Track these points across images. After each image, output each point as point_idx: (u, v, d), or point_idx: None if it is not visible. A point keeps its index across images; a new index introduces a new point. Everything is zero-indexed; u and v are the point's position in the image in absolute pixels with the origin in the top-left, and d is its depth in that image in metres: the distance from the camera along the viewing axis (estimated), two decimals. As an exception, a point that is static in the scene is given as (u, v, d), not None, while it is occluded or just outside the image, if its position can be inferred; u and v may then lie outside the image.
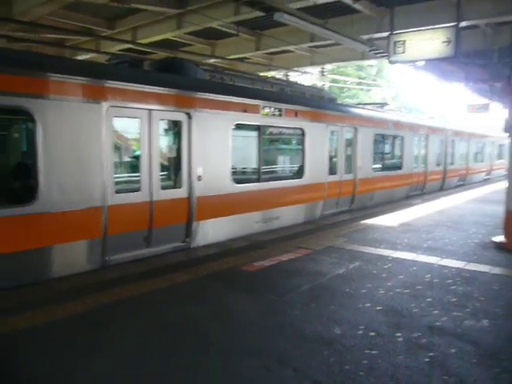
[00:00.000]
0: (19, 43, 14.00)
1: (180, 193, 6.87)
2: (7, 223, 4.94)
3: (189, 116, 6.88)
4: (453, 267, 6.00)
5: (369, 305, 4.58)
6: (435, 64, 17.19)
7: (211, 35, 16.03)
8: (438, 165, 16.85)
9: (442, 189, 17.32)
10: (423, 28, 8.84)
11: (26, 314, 4.15)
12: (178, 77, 7.12)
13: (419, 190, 15.38)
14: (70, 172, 5.48)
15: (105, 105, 5.75)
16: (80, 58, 16.38)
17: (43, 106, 5.16)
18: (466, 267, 6.02)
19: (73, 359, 3.39)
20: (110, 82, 5.85)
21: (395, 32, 8.27)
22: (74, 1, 10.88)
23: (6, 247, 4.92)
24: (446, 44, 7.59)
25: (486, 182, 21.74)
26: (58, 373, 3.21)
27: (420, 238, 7.90)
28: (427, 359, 3.45)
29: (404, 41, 7.92)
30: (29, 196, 5.18)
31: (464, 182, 19.87)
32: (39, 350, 3.52)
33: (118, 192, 6.04)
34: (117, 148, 6.21)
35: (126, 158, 6.63)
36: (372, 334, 3.89)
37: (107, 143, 5.81)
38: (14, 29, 12.94)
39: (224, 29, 14.23)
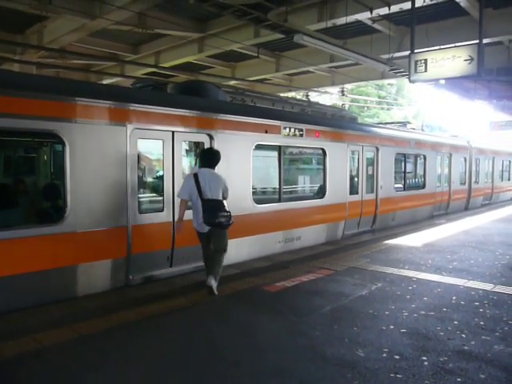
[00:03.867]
0: (48, 69, 14.62)
1: (202, 213, 6.92)
2: (36, 242, 5.06)
3: (210, 137, 6.99)
4: (480, 289, 5.84)
5: (392, 327, 4.49)
6: (457, 82, 17.09)
7: (231, 57, 16.39)
8: (463, 184, 16.57)
9: (467, 208, 16.96)
10: (444, 46, 8.82)
11: (51, 332, 4.22)
12: (200, 99, 7.27)
13: (443, 210, 15.10)
14: (96, 192, 5.61)
15: (129, 127, 5.91)
16: (105, 82, 16.96)
17: (72, 129, 5.33)
18: (494, 289, 5.84)
19: (98, 374, 3.42)
20: (135, 105, 6.02)
21: (416, 51, 8.27)
22: (101, 28, 11.34)
23: (35, 265, 5.03)
24: (468, 62, 7.53)
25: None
26: None
27: (445, 258, 7.73)
28: (455, 385, 3.35)
29: (425, 60, 7.88)
30: (57, 216, 5.34)
31: (490, 202, 19.41)
32: (66, 366, 3.56)
33: (141, 212, 6.15)
34: (141, 169, 6.35)
35: (150, 179, 6.76)
36: (397, 357, 3.80)
37: (132, 164, 5.95)
38: (44, 56, 13.53)
39: (244, 51, 14.55)
